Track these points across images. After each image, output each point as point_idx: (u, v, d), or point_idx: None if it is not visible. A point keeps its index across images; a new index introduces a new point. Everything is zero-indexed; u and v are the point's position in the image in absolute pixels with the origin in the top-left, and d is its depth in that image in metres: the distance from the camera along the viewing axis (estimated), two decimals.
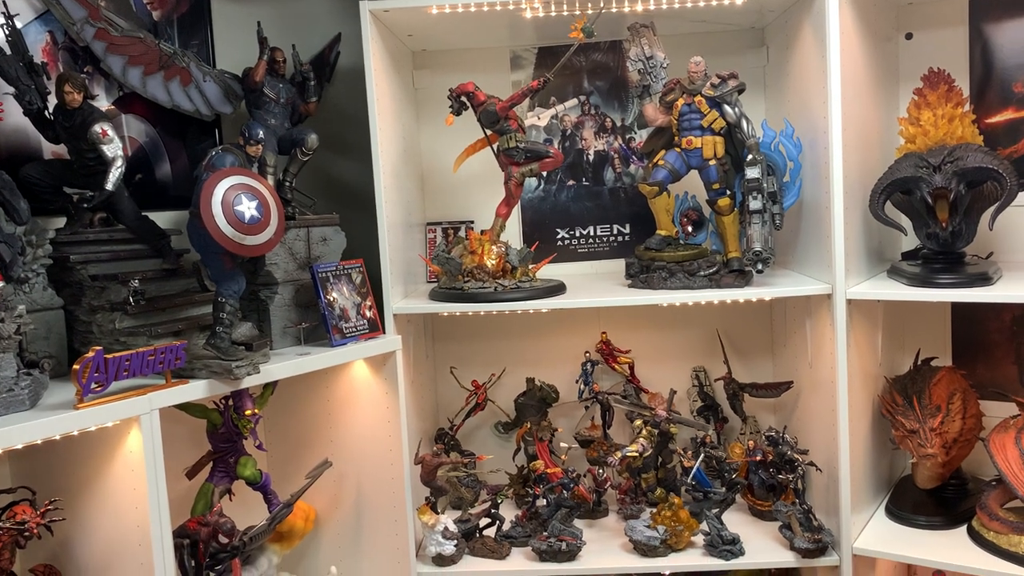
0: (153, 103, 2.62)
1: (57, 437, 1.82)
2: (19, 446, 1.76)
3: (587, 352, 3.26)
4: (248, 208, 2.06)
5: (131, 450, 1.96)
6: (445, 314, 2.77)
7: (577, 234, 3.34)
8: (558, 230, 3.34)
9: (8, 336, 1.77)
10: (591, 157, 3.32)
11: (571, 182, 3.33)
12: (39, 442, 1.81)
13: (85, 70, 2.45)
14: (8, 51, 2.18)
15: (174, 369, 2.03)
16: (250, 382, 2.14)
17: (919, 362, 2.87)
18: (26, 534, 1.89)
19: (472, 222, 3.29)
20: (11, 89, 2.18)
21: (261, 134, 2.27)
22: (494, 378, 3.26)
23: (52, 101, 2.25)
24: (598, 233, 3.34)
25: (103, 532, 2.06)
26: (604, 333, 3.26)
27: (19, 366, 1.85)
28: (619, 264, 3.27)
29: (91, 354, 1.85)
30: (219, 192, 2.03)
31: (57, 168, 2.28)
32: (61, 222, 2.36)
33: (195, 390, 2.07)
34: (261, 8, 2.95)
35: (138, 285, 2.14)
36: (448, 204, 3.34)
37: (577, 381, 3.26)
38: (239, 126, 2.84)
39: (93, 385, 1.85)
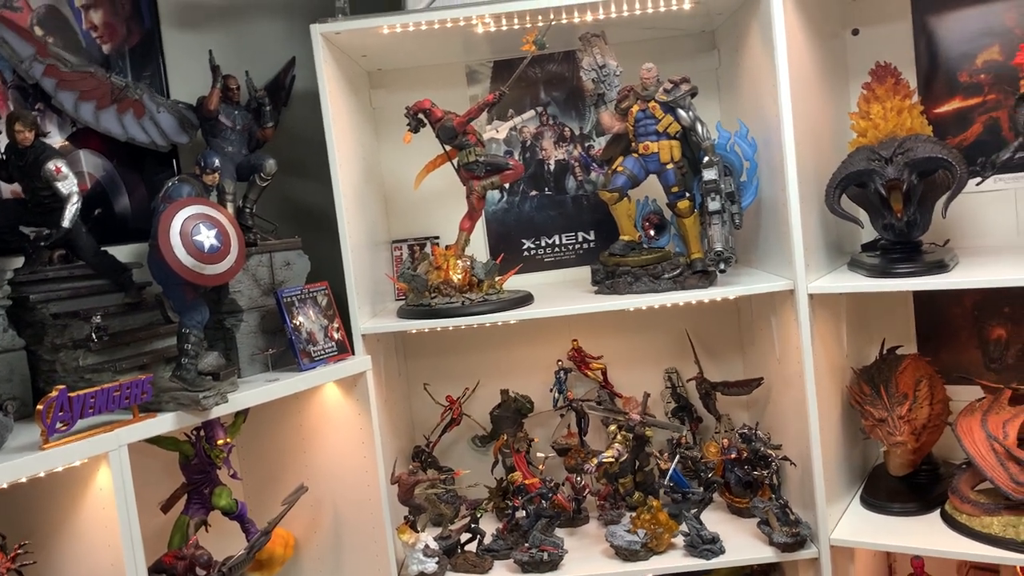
0: (108, 137, 2.60)
1: (24, 480, 1.80)
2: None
3: (559, 360, 3.27)
4: (207, 237, 2.06)
5: (101, 487, 1.94)
6: (414, 331, 2.77)
7: (543, 244, 3.36)
8: (524, 241, 3.35)
9: None
10: (552, 167, 3.34)
11: (534, 192, 3.35)
12: (4, 486, 1.79)
13: (36, 107, 2.43)
14: None
15: (141, 403, 2.01)
16: (219, 412, 2.13)
17: (884, 351, 2.91)
18: None
19: (437, 238, 3.30)
20: None
21: (217, 162, 2.26)
22: (468, 392, 3.26)
23: (2, 141, 2.23)
24: (563, 241, 3.36)
25: (75, 574, 2.03)
26: (575, 340, 3.27)
27: None
28: (586, 271, 3.28)
29: (55, 393, 1.83)
30: (177, 223, 2.02)
31: (11, 207, 2.27)
32: (18, 262, 2.33)
33: (163, 423, 2.05)
34: (213, 36, 2.94)
35: (100, 321, 2.12)
36: (412, 221, 3.35)
37: (551, 390, 3.27)
38: (196, 155, 2.86)
39: (58, 424, 1.83)
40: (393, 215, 3.34)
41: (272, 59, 3.05)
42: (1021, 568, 2.60)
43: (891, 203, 2.51)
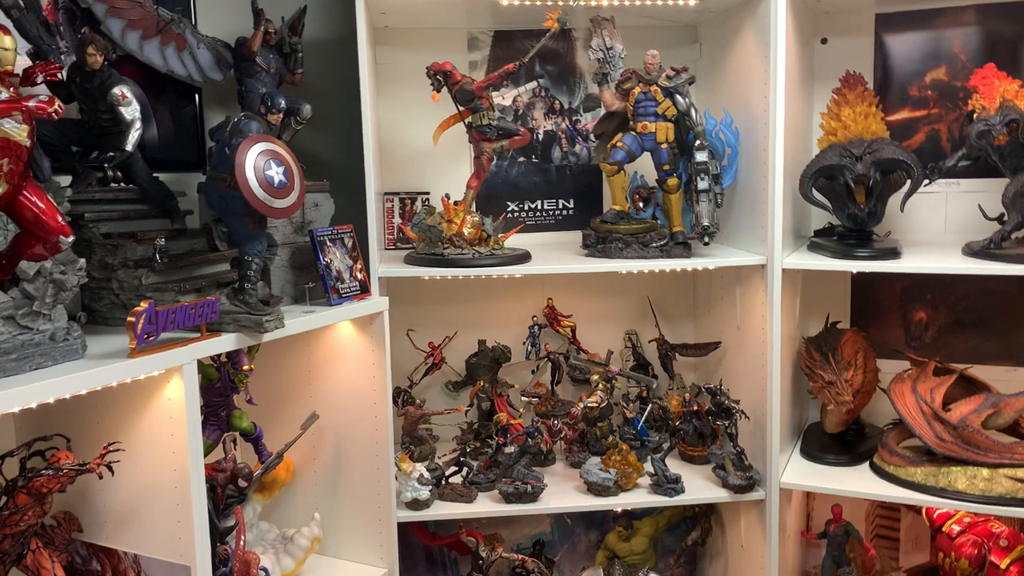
0: (141, 67, 2.66)
1: (114, 384, 1.93)
2: (83, 392, 1.86)
3: (534, 316, 3.54)
4: (277, 173, 2.20)
5: (170, 397, 2.07)
6: (425, 278, 2.95)
7: (526, 207, 3.60)
8: (508, 203, 3.59)
9: (70, 288, 1.86)
10: (540, 136, 3.58)
11: (521, 159, 3.59)
12: (85, 392, 1.91)
13: (82, 31, 2.47)
14: (24, 10, 2.20)
15: (208, 323, 2.15)
16: (273, 336, 2.29)
17: (828, 325, 3.33)
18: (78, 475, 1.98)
19: (428, 193, 3.48)
20: (28, 47, 2.21)
21: (283, 103, 2.39)
22: (447, 340, 3.49)
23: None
24: (545, 207, 3.62)
25: (130, 479, 2.16)
26: (550, 299, 3.55)
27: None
28: (564, 236, 3.60)
29: (144, 306, 1.95)
30: (251, 157, 2.16)
31: (70, 128, 2.32)
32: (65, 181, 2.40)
33: (226, 342, 2.20)
34: None
35: (163, 243, 2.23)
36: (402, 176, 3.52)
37: (524, 343, 3.54)
38: (219, 93, 2.96)
39: (146, 335, 1.96)
40: (385, 168, 3.50)
41: (284, 5, 3.14)
42: (929, 509, 3.08)
43: (855, 195, 2.90)
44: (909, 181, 2.88)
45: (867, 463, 3.07)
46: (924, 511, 3.15)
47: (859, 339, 3.23)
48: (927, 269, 2.77)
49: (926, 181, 2.93)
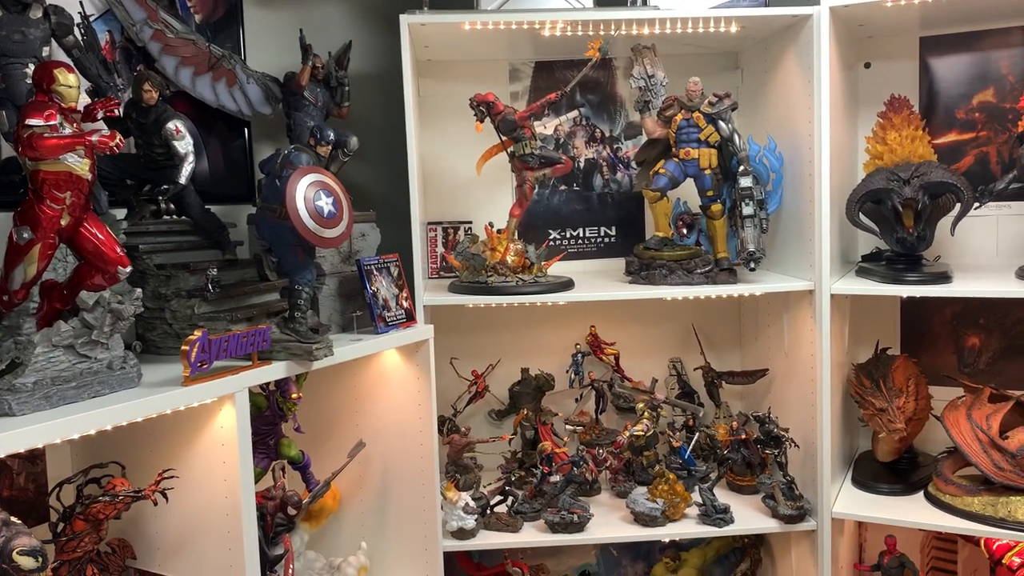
0: (193, 102, 2.74)
1: (168, 412, 1.96)
2: (139, 419, 1.89)
3: (577, 344, 3.53)
4: (326, 204, 2.24)
5: (222, 425, 2.10)
6: (470, 306, 2.97)
7: (567, 235, 3.62)
8: (550, 231, 3.60)
9: (127, 317, 1.90)
10: (581, 164, 3.60)
11: (563, 187, 3.61)
12: (140, 419, 1.94)
13: (137, 68, 2.55)
14: (85, 50, 2.28)
15: (259, 351, 2.18)
16: (322, 364, 2.31)
17: (878, 351, 3.27)
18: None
19: (470, 222, 3.51)
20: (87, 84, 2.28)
21: (332, 135, 2.44)
22: (490, 368, 3.49)
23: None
24: (586, 235, 3.62)
25: (182, 506, 2.18)
26: (593, 327, 3.54)
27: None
28: (606, 263, 3.59)
29: (198, 335, 1.99)
30: (301, 188, 2.19)
31: (126, 161, 2.39)
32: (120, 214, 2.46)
33: (277, 371, 2.23)
34: (285, 15, 3.10)
35: (215, 274, 2.28)
36: (444, 206, 3.55)
37: (567, 371, 3.53)
38: (268, 126, 3.02)
39: (199, 364, 1.99)
40: (429, 199, 3.54)
41: (334, 40, 3.22)
42: (988, 540, 2.99)
43: (903, 219, 2.86)
44: (959, 204, 2.85)
45: (921, 492, 3.00)
46: (983, 542, 3.06)
47: (910, 365, 3.17)
48: (981, 293, 2.73)
49: (976, 204, 2.88)
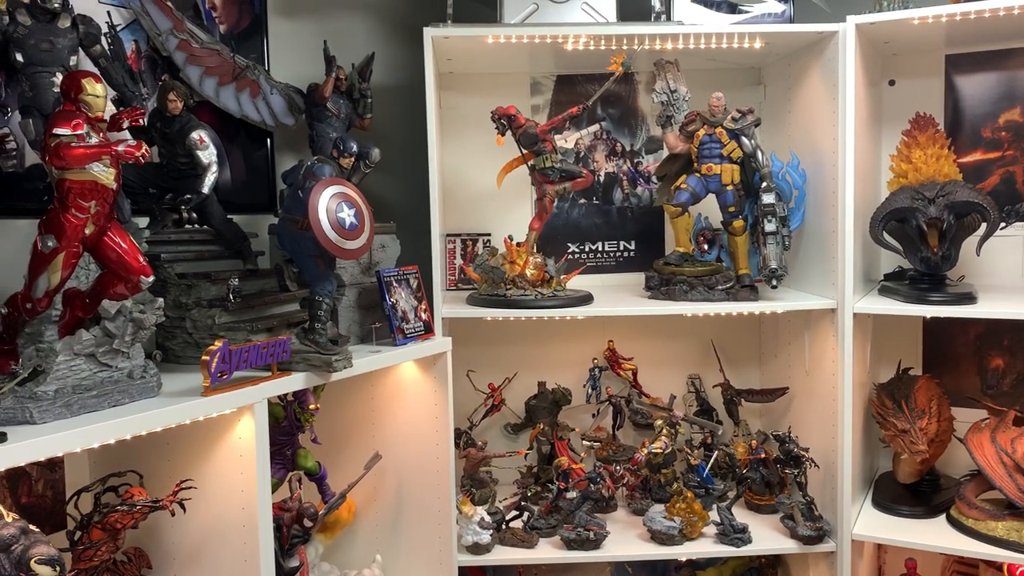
0: (217, 112, 2.75)
1: (187, 422, 1.95)
2: (158, 429, 1.88)
3: (595, 359, 3.51)
4: (348, 215, 2.23)
5: (241, 436, 2.09)
6: (489, 319, 2.96)
7: (587, 249, 3.60)
8: (569, 244, 3.59)
9: (148, 327, 1.90)
10: (601, 178, 3.59)
11: (582, 201, 3.59)
12: (159, 429, 1.93)
13: (162, 78, 2.56)
14: (111, 59, 2.29)
15: (279, 362, 2.18)
16: (341, 375, 2.30)
17: (900, 371, 3.23)
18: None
19: (489, 235, 3.51)
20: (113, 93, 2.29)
21: (354, 147, 2.44)
22: (507, 382, 3.48)
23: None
24: (606, 249, 3.61)
25: (199, 517, 2.17)
26: (611, 341, 3.52)
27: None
28: (624, 277, 3.57)
29: (218, 345, 1.99)
30: (324, 199, 2.19)
31: (149, 171, 2.40)
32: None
33: (296, 381, 2.22)
34: (309, 26, 3.11)
35: (237, 284, 2.28)
36: (462, 218, 3.55)
37: (585, 385, 3.51)
38: (290, 137, 3.02)
39: (219, 374, 1.99)
40: (446, 210, 3.53)
41: (356, 52, 3.23)
42: (1011, 566, 2.94)
43: (928, 239, 2.83)
44: (984, 224, 2.81)
45: (943, 515, 2.96)
46: (1006, 568, 3.01)
47: (933, 386, 3.13)
48: (1008, 315, 2.69)
49: (1003, 224, 2.85)
